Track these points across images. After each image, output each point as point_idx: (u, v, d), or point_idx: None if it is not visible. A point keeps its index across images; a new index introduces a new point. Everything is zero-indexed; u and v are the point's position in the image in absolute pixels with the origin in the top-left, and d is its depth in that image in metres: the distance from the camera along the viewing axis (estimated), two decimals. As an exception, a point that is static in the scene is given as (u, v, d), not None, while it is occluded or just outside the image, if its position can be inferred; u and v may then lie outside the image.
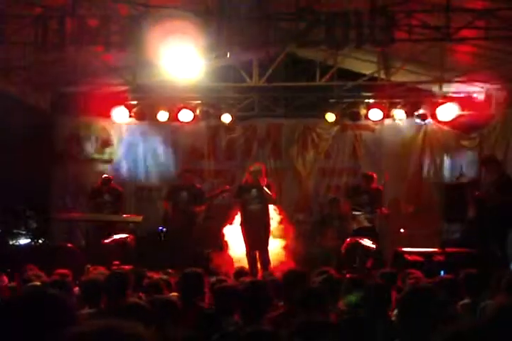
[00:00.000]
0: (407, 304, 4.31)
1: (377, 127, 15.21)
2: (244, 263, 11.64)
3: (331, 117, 14.87)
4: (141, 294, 6.86)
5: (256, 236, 11.70)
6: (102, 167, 15.24)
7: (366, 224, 13.00)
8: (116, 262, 11.60)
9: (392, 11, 10.25)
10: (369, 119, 14.89)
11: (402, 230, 13.82)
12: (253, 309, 5.45)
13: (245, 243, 11.83)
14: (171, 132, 15.59)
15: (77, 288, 7.06)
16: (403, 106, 14.67)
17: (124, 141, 15.63)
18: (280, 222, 12.37)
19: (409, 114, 14.76)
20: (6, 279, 8.47)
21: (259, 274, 11.03)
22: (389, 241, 13.34)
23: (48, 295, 2.95)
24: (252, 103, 15.43)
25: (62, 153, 15.49)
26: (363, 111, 14.83)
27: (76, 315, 3.16)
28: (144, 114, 15.22)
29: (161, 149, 15.62)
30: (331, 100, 15.09)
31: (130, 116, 15.16)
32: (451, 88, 14.04)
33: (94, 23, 10.42)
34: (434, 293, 4.35)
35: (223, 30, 10.40)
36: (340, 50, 12.50)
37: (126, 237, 12.90)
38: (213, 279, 8.34)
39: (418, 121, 14.91)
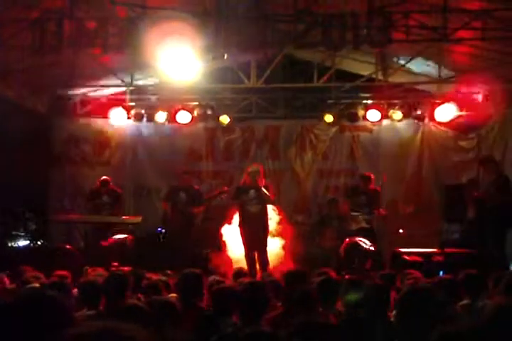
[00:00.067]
0: (406, 304, 4.31)
1: (375, 128, 15.21)
2: (243, 263, 11.63)
3: (328, 118, 14.87)
4: (139, 295, 6.86)
5: (254, 237, 11.69)
6: (100, 169, 15.22)
7: (364, 225, 13.01)
8: (115, 263, 11.59)
9: (389, 12, 10.27)
10: (367, 120, 14.90)
11: (401, 231, 13.82)
12: (252, 310, 5.44)
13: (244, 244, 11.82)
14: (169, 133, 15.59)
15: (76, 290, 7.05)
16: (401, 107, 14.67)
17: (122, 142, 15.63)
18: (279, 223, 12.36)
19: (407, 115, 14.76)
20: (7, 281, 8.46)
21: (258, 275, 11.02)
22: (387, 242, 13.33)
23: (47, 296, 2.96)
24: (250, 104, 15.44)
25: (61, 155, 15.51)
26: (360, 112, 14.83)
27: (74, 317, 3.16)
28: (142, 115, 15.22)
29: (159, 150, 15.61)
30: (329, 101, 15.10)
31: (128, 118, 15.16)
32: (449, 89, 14.04)
33: (92, 26, 10.43)
34: (433, 293, 4.34)
35: (221, 31, 10.41)
36: (337, 51, 12.51)
37: (125, 238, 12.89)
38: (212, 278, 8.35)
39: (415, 121, 14.92)
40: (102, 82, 14.50)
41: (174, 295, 6.90)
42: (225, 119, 15.04)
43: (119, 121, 15.14)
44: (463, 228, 13.13)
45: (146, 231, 13.66)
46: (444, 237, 13.50)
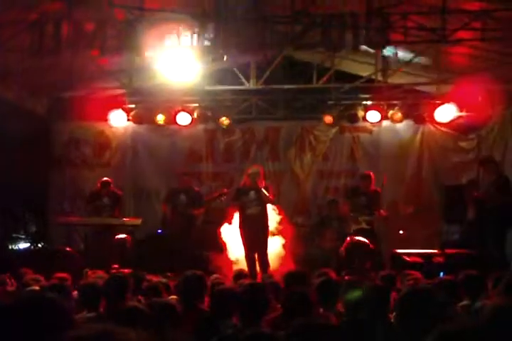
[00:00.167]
0: (406, 305, 4.31)
1: (375, 129, 15.20)
2: (244, 265, 11.63)
3: (328, 119, 14.86)
4: (140, 297, 6.86)
5: (255, 239, 11.69)
6: (100, 170, 15.22)
7: (364, 225, 12.99)
8: (115, 266, 11.60)
9: (387, 13, 10.27)
10: (367, 121, 14.88)
11: (401, 232, 13.82)
12: (252, 311, 5.44)
13: (244, 245, 11.81)
14: (169, 135, 15.59)
15: (76, 292, 7.05)
16: (401, 108, 14.66)
17: (122, 144, 15.64)
18: (279, 222, 12.34)
19: (407, 116, 14.75)
20: (9, 282, 8.47)
21: (259, 276, 11.02)
22: (388, 243, 13.32)
23: (46, 299, 2.96)
24: (250, 106, 15.45)
25: (60, 157, 15.51)
26: (360, 113, 14.81)
27: (74, 319, 3.16)
28: (142, 117, 15.20)
29: (159, 152, 15.61)
30: (329, 102, 15.09)
31: (128, 120, 15.14)
32: (448, 89, 14.04)
33: (91, 28, 10.43)
34: (433, 294, 4.34)
35: (219, 33, 10.41)
36: (337, 52, 12.52)
37: (125, 238, 12.90)
38: (213, 277, 8.37)
39: (415, 122, 14.91)
40: (102, 84, 14.51)
41: (174, 297, 6.90)
42: (225, 121, 15.05)
43: (118, 123, 15.13)
44: (463, 229, 13.13)
45: (146, 233, 13.66)
46: (444, 238, 13.52)
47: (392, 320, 5.24)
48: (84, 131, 15.54)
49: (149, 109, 15.21)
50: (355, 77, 14.57)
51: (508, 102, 13.75)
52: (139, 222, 13.23)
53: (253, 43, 10.75)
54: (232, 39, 10.52)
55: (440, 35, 10.40)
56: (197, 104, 15.12)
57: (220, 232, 12.29)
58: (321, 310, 6.13)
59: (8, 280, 8.45)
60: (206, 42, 10.57)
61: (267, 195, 11.72)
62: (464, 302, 6.63)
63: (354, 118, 14.93)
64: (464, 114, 14.32)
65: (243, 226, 11.83)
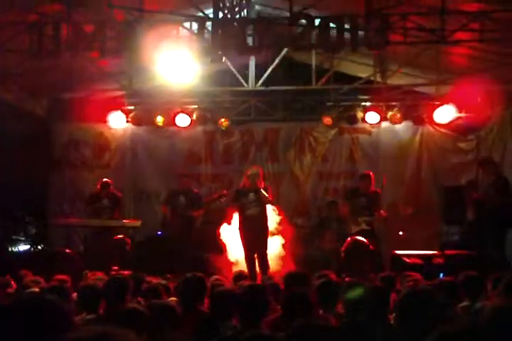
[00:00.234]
0: (406, 306, 4.30)
1: (374, 130, 15.20)
2: (243, 266, 11.62)
3: (327, 120, 14.86)
4: (139, 299, 6.86)
5: (254, 240, 11.68)
6: (99, 172, 15.21)
7: (364, 226, 12.98)
8: (115, 267, 11.60)
9: (387, 14, 10.27)
10: (366, 122, 14.87)
11: (400, 233, 13.82)
12: (251, 313, 5.44)
13: (244, 247, 11.81)
14: (168, 137, 15.58)
15: (75, 294, 7.04)
16: (400, 109, 14.66)
17: (121, 146, 15.63)
18: (279, 223, 12.34)
19: (406, 117, 14.75)
20: (14, 285, 8.47)
21: (259, 278, 11.01)
22: (387, 244, 13.32)
23: (46, 301, 2.95)
24: (249, 107, 15.45)
25: (60, 159, 15.51)
26: (359, 115, 14.80)
27: (74, 321, 3.16)
28: (141, 118, 15.20)
29: (158, 154, 15.61)
30: (328, 103, 15.09)
31: (127, 121, 15.14)
32: (447, 90, 14.04)
33: (90, 29, 10.43)
34: (433, 295, 4.34)
35: (218, 34, 10.42)
36: (335, 54, 12.52)
37: (124, 240, 12.91)
38: (213, 278, 8.36)
39: (414, 124, 14.92)
40: (101, 86, 14.51)
41: (174, 298, 6.90)
42: (224, 122, 15.05)
43: (118, 124, 15.13)
44: (462, 230, 13.13)
45: (146, 234, 13.66)
46: (444, 239, 13.51)
47: (391, 321, 5.24)
48: (84, 133, 15.54)
49: (148, 110, 15.21)
50: (354, 79, 14.59)
51: (507, 103, 13.76)
52: (138, 223, 13.23)
53: (251, 45, 10.74)
54: (231, 40, 10.52)
55: (439, 36, 10.41)
56: (196, 106, 15.12)
57: (219, 233, 12.28)
58: (321, 311, 6.13)
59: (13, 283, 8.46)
60: (205, 44, 10.57)
61: (267, 195, 11.72)
62: (464, 304, 6.62)
63: (353, 120, 14.93)
64: (463, 114, 14.33)
65: (243, 227, 11.83)
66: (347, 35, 10.31)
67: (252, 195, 11.77)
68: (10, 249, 14.33)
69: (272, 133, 15.62)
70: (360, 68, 14.31)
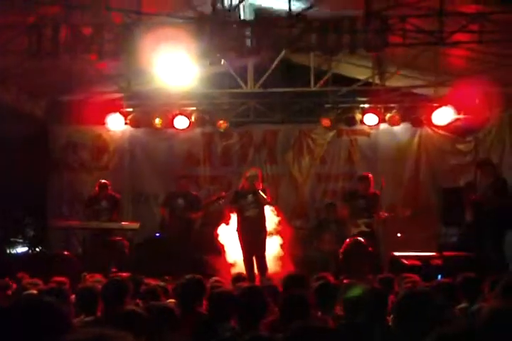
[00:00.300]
0: (404, 308, 4.30)
1: (372, 132, 15.21)
2: (242, 268, 11.62)
3: (326, 122, 14.87)
4: (138, 301, 6.85)
5: (253, 241, 11.68)
6: (98, 174, 15.20)
7: (364, 228, 12.98)
8: (114, 269, 11.59)
9: (385, 16, 10.27)
10: (364, 124, 14.89)
11: (399, 234, 13.82)
12: (250, 315, 5.44)
13: (242, 248, 11.81)
14: (167, 139, 15.59)
15: (74, 296, 7.04)
16: (398, 111, 14.67)
17: (119, 148, 15.63)
18: (278, 224, 12.34)
19: (405, 119, 14.76)
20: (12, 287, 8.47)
21: (257, 280, 11.01)
22: (386, 246, 13.32)
23: (44, 303, 2.96)
24: (248, 109, 15.46)
25: (58, 161, 15.50)
26: (358, 116, 14.82)
27: (72, 323, 3.16)
28: (140, 121, 15.20)
29: (156, 156, 15.61)
30: (326, 105, 15.10)
31: (125, 124, 15.15)
32: (446, 92, 14.05)
33: (88, 32, 10.43)
34: (431, 297, 4.34)
35: (217, 36, 10.42)
36: (334, 56, 12.52)
37: (122, 242, 12.91)
38: (212, 280, 8.36)
39: (413, 125, 14.93)
40: (99, 88, 14.52)
41: (172, 300, 6.90)
42: (222, 124, 15.04)
43: (116, 126, 15.13)
44: (461, 231, 13.15)
45: (145, 236, 13.65)
46: (442, 240, 13.52)
47: (390, 323, 5.24)
48: (82, 135, 15.53)
49: (147, 112, 15.21)
50: (353, 80, 14.60)
51: (505, 105, 13.76)
52: (137, 226, 13.23)
53: (250, 47, 10.74)
54: (230, 42, 10.52)
55: (438, 38, 10.42)
56: (194, 108, 15.12)
57: (217, 234, 12.29)
58: (319, 313, 6.14)
59: (14, 285, 8.46)
60: (203, 46, 10.57)
61: (265, 197, 11.72)
62: (462, 305, 6.63)
63: (352, 122, 14.95)
64: (461, 116, 14.34)
65: (241, 229, 11.83)
66: (345, 36, 10.32)
67: (250, 197, 11.77)
68: (8, 251, 14.31)
69: (270, 135, 15.62)
70: (359, 70, 14.32)
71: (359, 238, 12.11)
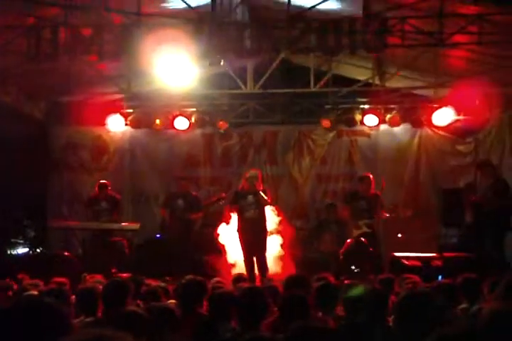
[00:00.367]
0: (405, 309, 4.30)
1: (372, 133, 15.21)
2: (243, 268, 11.62)
3: (326, 123, 14.87)
4: (138, 301, 6.85)
5: (253, 242, 11.67)
6: (98, 175, 15.19)
7: (365, 229, 12.97)
8: (114, 270, 11.59)
9: (385, 17, 10.28)
10: (364, 125, 14.88)
11: (399, 235, 13.81)
12: (250, 315, 5.43)
13: (242, 249, 11.80)
14: (167, 140, 15.59)
15: (74, 297, 7.04)
16: (398, 112, 14.67)
17: (119, 148, 15.64)
18: (278, 223, 12.33)
19: (405, 120, 14.76)
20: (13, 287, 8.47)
21: (258, 280, 11.01)
22: (387, 246, 13.32)
23: (44, 303, 2.95)
24: (248, 110, 15.46)
25: (58, 161, 15.51)
26: (358, 117, 14.82)
27: (72, 324, 3.16)
28: (140, 121, 15.21)
29: (157, 157, 15.61)
30: (326, 106, 15.10)
31: (126, 124, 15.16)
32: (446, 93, 14.05)
33: (88, 33, 10.44)
34: (432, 298, 4.34)
35: (216, 37, 10.42)
36: (334, 56, 12.53)
37: (123, 242, 12.91)
38: (214, 281, 8.36)
39: (413, 126, 14.93)
40: (99, 89, 14.52)
41: (173, 301, 6.89)
42: (222, 125, 15.04)
43: (116, 127, 15.14)
44: (461, 232, 13.15)
45: (145, 237, 13.66)
46: (443, 241, 13.52)
47: (390, 324, 5.24)
48: (82, 136, 15.53)
49: (147, 113, 15.23)
50: (353, 81, 14.60)
51: (505, 105, 13.77)
52: (137, 226, 13.23)
53: (249, 48, 10.75)
54: (229, 43, 10.53)
55: (437, 39, 10.43)
56: (194, 109, 15.14)
57: (217, 234, 12.29)
58: (320, 313, 6.14)
59: (16, 286, 8.46)
60: (203, 47, 10.57)
61: (266, 198, 11.72)
62: (463, 306, 6.63)
63: (352, 122, 14.95)
64: (461, 117, 14.33)
65: (241, 229, 11.82)
66: (345, 37, 10.32)
67: (250, 198, 11.77)
68: (8, 252, 14.30)
69: (270, 135, 15.62)
70: (359, 71, 14.32)
71: (359, 239, 12.11)
